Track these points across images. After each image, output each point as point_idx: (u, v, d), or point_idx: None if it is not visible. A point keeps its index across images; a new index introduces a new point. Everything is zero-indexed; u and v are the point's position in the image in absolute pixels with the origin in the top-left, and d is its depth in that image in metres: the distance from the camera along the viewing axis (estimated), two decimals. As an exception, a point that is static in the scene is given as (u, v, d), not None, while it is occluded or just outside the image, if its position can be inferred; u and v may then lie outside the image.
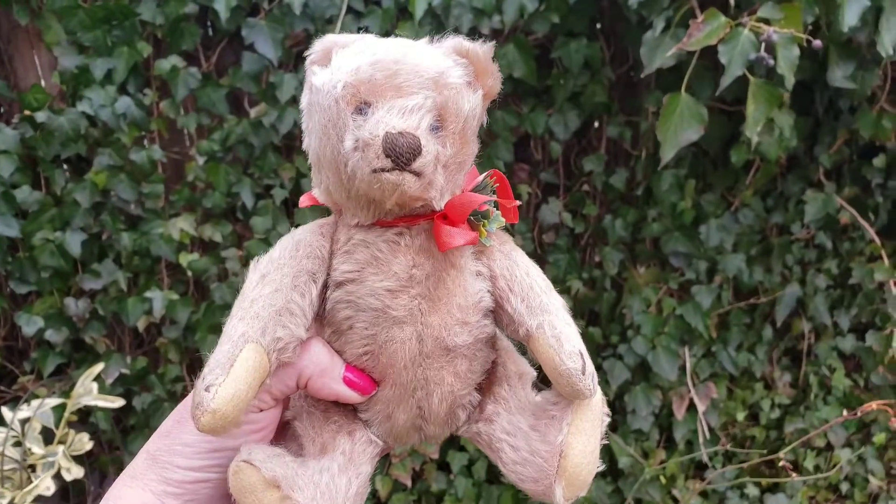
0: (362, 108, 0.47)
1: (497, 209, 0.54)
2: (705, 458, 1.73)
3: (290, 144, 1.59)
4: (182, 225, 1.55)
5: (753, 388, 1.84)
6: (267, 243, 1.53)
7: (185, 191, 1.55)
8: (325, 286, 0.52)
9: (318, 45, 0.52)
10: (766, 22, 1.19)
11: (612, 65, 1.62)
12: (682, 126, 1.29)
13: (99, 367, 1.41)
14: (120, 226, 1.54)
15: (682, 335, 1.67)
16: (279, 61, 1.52)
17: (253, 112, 1.54)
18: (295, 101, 1.53)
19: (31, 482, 1.30)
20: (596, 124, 1.69)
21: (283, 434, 0.56)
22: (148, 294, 1.55)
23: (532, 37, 1.54)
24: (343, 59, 0.49)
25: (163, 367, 1.62)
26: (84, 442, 1.40)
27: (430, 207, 0.50)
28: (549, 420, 0.53)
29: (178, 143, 1.60)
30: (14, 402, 1.57)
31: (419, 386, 0.52)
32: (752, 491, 1.80)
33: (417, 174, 0.46)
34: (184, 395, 1.60)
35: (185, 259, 1.55)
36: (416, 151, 0.45)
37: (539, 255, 1.68)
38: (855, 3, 1.17)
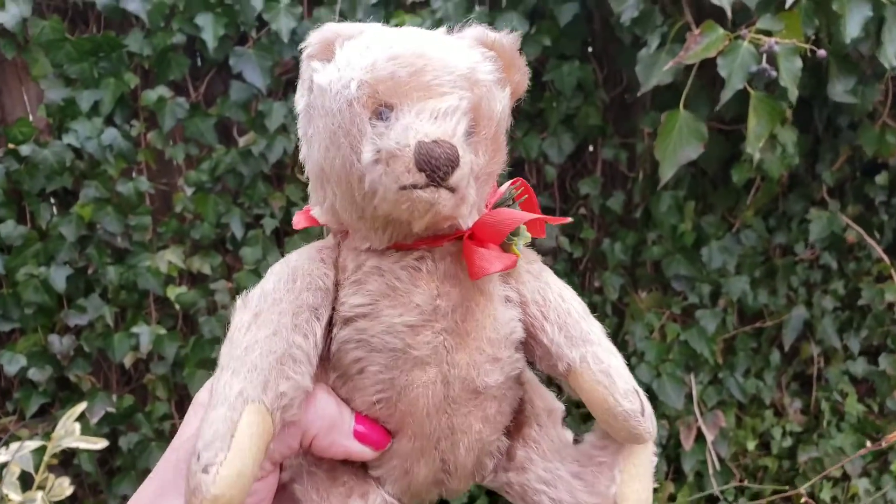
0: (382, 111, 0.40)
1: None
2: (717, 492, 1.66)
3: (280, 173, 1.56)
4: (170, 257, 1.52)
5: (763, 415, 1.78)
6: (257, 275, 1.49)
7: (173, 222, 1.52)
8: (330, 323, 0.44)
9: (317, 37, 0.45)
10: (767, 34, 1.16)
11: (606, 87, 1.60)
12: (681, 144, 1.25)
13: (81, 406, 1.36)
14: (106, 259, 1.50)
15: (687, 361, 1.62)
16: (268, 89, 1.50)
17: (242, 141, 1.52)
18: (285, 129, 1.50)
19: (9, 528, 1.24)
20: (590, 147, 1.67)
21: (280, 498, 0.47)
22: (135, 329, 1.51)
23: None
24: (353, 54, 0.42)
25: (150, 404, 1.56)
26: (65, 487, 1.33)
27: (455, 226, 0.43)
28: (597, 467, 0.47)
29: (166, 174, 1.57)
30: (-4, 445, 1.51)
31: (443, 436, 0.45)
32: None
33: (453, 190, 0.39)
34: (172, 433, 1.54)
35: (172, 292, 1.51)
36: (454, 163, 0.38)
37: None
38: (857, 13, 1.14)
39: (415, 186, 0.39)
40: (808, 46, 1.16)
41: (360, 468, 0.48)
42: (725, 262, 1.59)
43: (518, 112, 1.54)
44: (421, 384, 0.43)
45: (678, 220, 1.56)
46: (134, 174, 1.54)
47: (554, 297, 0.47)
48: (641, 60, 1.29)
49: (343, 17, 1.46)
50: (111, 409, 1.53)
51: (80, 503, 1.60)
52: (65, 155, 1.47)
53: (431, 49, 0.42)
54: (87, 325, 1.52)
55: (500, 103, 0.45)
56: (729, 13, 1.15)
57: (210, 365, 1.51)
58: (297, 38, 1.47)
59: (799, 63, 1.15)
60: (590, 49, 1.59)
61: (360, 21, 0.47)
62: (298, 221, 0.49)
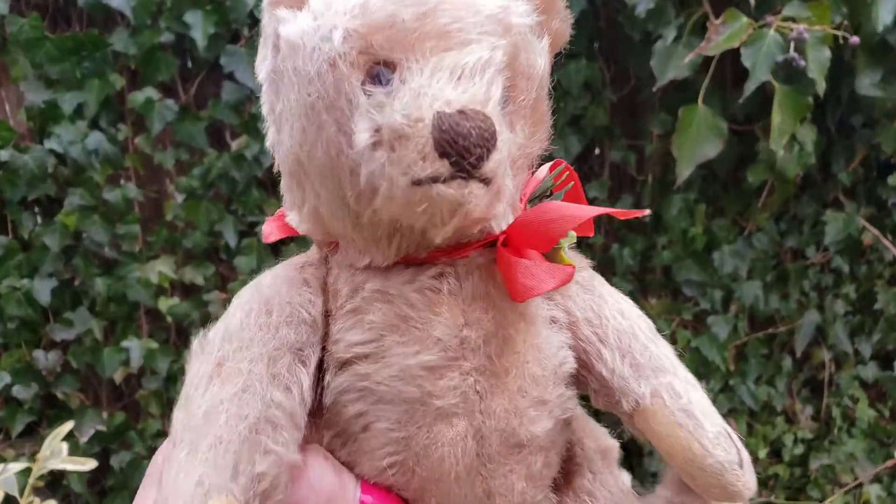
0: (381, 72, 0.30)
1: None
2: None
3: (276, 178, 1.49)
4: (161, 267, 1.45)
5: (774, 422, 1.74)
6: (252, 285, 1.43)
7: (164, 231, 1.45)
8: (321, 367, 0.35)
9: None
10: (792, 21, 1.09)
11: (612, 86, 1.54)
12: (699, 141, 1.19)
13: (68, 425, 1.29)
14: (93, 270, 1.43)
15: (697, 369, 1.57)
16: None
17: (234, 145, 1.45)
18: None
19: (-7, 559, 1.18)
20: (597, 150, 1.61)
21: None
22: (125, 343, 1.44)
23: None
24: None
25: (143, 421, 1.50)
26: (53, 510, 1.27)
27: (486, 229, 0.34)
28: None
29: (155, 181, 1.51)
30: (-21, 466, 1.44)
31: (477, 503, 0.36)
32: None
33: (487, 181, 0.30)
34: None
35: (164, 304, 1.45)
36: (489, 143, 0.29)
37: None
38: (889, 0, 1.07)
39: (434, 179, 0.28)
40: (841, 33, 1.09)
41: None
42: (737, 266, 1.55)
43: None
44: (447, 442, 0.34)
45: (688, 224, 1.52)
46: (121, 181, 1.47)
47: (612, 315, 0.37)
48: (657, 53, 1.23)
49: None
50: (101, 428, 1.46)
51: (70, 526, 1.54)
52: (47, 161, 1.39)
53: None
54: (74, 340, 1.45)
55: (541, 57, 0.34)
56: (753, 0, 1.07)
57: (204, 380, 1.45)
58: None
59: (827, 53, 1.09)
60: (595, 45, 1.53)
61: None
62: (269, 232, 0.38)
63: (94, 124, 1.42)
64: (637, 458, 1.60)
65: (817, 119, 1.49)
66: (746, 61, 1.13)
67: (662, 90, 1.33)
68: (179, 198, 1.45)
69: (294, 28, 0.32)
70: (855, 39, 1.12)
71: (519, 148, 0.33)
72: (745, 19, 1.12)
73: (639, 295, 1.61)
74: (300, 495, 0.33)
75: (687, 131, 1.22)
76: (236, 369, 0.33)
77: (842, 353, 1.76)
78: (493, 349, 0.34)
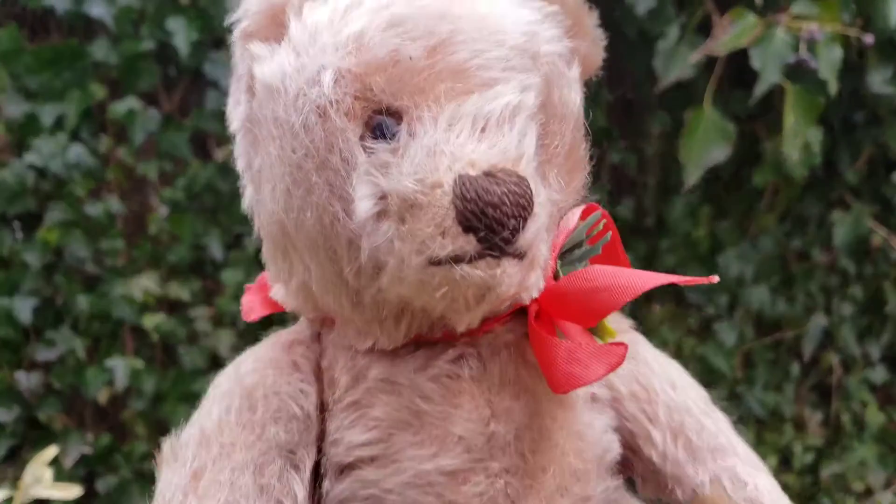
0: (382, 123, 0.26)
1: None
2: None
3: (263, 188, 1.46)
4: (145, 283, 1.40)
5: (783, 430, 1.71)
6: (240, 300, 1.38)
7: (148, 245, 1.41)
8: (317, 471, 0.30)
9: (256, 2, 0.29)
10: (802, 20, 1.06)
11: (609, 87, 1.51)
12: (707, 145, 1.15)
13: (52, 450, 1.23)
14: (76, 287, 1.39)
15: (704, 377, 1.53)
16: (247, 98, 1.39)
17: (219, 154, 1.41)
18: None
19: None
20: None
21: None
22: (109, 362, 1.39)
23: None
24: (320, 22, 0.26)
25: (129, 443, 1.45)
26: (36, 539, 1.22)
27: (515, 300, 0.28)
28: None
29: (138, 193, 1.46)
30: (-40, 494, 1.39)
31: None
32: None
33: (521, 256, 0.25)
34: (153, 473, 1.43)
35: (149, 321, 1.40)
36: (524, 212, 0.24)
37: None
38: (903, -6, 1.04)
39: (458, 259, 0.23)
40: (855, 33, 1.06)
41: None
42: (743, 269, 1.51)
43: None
44: None
45: (692, 227, 1.48)
46: (103, 194, 1.42)
47: (661, 387, 0.32)
48: (660, 53, 1.19)
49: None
50: (86, 450, 1.41)
51: (55, 554, 1.49)
52: (27, 175, 1.35)
53: (459, 4, 0.26)
54: (56, 360, 1.40)
55: (575, 92, 0.29)
56: None
57: (192, 399, 1.40)
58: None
59: (839, 52, 1.05)
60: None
61: None
62: (250, 307, 0.32)
63: (74, 136, 1.38)
64: None
65: (822, 117, 1.46)
66: (755, 62, 1.09)
67: (661, 90, 1.29)
68: (163, 210, 1.41)
69: (272, 68, 0.27)
70: (870, 38, 1.08)
71: (553, 203, 0.28)
72: (752, 18, 1.09)
73: (642, 302, 1.57)
74: None
75: (694, 135, 1.18)
76: (216, 482, 0.28)
77: (850, 357, 1.73)
78: (526, 445, 0.29)
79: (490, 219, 0.23)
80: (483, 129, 0.24)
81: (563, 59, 0.29)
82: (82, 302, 1.38)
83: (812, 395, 1.77)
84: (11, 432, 1.41)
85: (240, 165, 0.31)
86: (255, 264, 1.43)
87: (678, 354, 1.53)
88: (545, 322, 0.28)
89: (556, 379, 0.27)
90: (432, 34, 0.25)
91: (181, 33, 1.34)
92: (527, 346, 0.29)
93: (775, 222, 1.58)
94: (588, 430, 0.31)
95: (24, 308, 1.36)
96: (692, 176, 1.20)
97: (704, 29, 1.25)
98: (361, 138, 0.26)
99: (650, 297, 1.58)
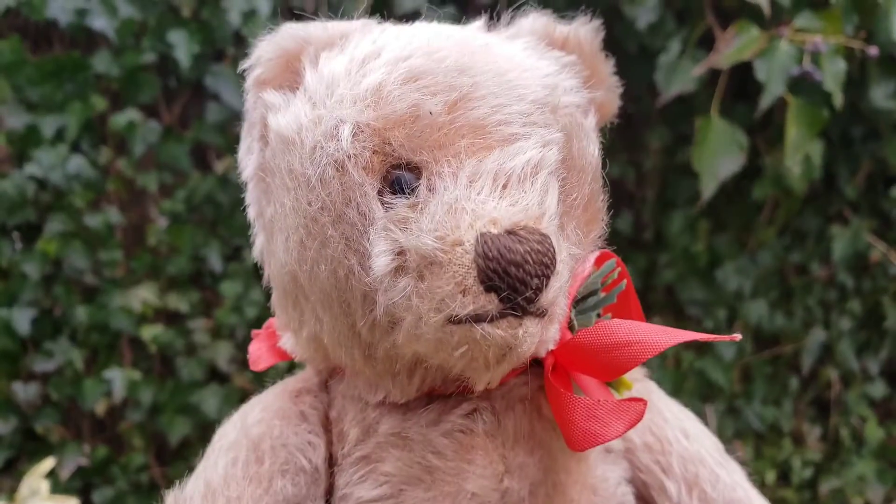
0: (401, 178, 0.25)
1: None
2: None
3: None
4: (144, 294, 1.40)
5: (781, 444, 1.69)
6: (238, 312, 1.38)
7: (147, 256, 1.41)
8: None
9: (270, 49, 0.28)
10: (805, 32, 1.06)
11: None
12: (719, 155, 1.14)
13: (48, 463, 1.24)
14: (74, 298, 1.38)
15: (703, 391, 1.52)
16: (247, 110, 1.39)
17: (219, 167, 1.41)
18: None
19: None
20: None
21: None
22: (107, 374, 1.39)
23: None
24: (338, 73, 0.26)
25: (126, 455, 1.44)
26: (31, 551, 1.21)
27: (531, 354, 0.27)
28: None
29: (138, 205, 1.46)
30: (-45, 505, 1.39)
31: None
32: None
33: (543, 314, 0.24)
34: (150, 485, 1.43)
35: (148, 332, 1.40)
36: (549, 270, 0.23)
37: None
38: (905, 9, 1.04)
39: (479, 319, 0.23)
40: (859, 45, 1.06)
41: None
42: (741, 284, 1.50)
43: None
44: None
45: (691, 241, 1.48)
46: (103, 205, 1.42)
47: (675, 437, 0.32)
48: (662, 67, 1.19)
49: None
50: (84, 463, 1.41)
51: (50, 566, 1.48)
52: (27, 186, 1.35)
53: (478, 57, 0.26)
54: (54, 371, 1.40)
55: (593, 143, 0.28)
56: (767, 10, 1.03)
57: (190, 411, 1.40)
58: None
59: (843, 64, 1.05)
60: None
61: None
62: (258, 356, 0.30)
63: (75, 148, 1.38)
64: None
65: (821, 131, 1.46)
66: (760, 74, 1.09)
67: (662, 104, 1.29)
68: (162, 222, 1.41)
69: (288, 119, 0.26)
70: (874, 50, 1.08)
71: (572, 257, 0.27)
72: (755, 31, 1.08)
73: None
74: None
75: (705, 146, 1.17)
76: None
77: (849, 372, 1.72)
78: (540, 501, 0.28)
79: (513, 278, 0.23)
80: (505, 186, 0.24)
81: (581, 109, 0.29)
82: (81, 313, 1.38)
83: (811, 410, 1.75)
84: (8, 444, 1.40)
85: (251, 213, 0.30)
86: (254, 277, 1.42)
87: (677, 368, 1.53)
88: (561, 375, 0.27)
89: (575, 437, 0.26)
90: (452, 89, 0.25)
91: (182, 46, 1.34)
92: (542, 400, 0.29)
93: (774, 236, 1.57)
94: (602, 483, 0.30)
95: (22, 319, 1.36)
96: (708, 187, 1.19)
97: (705, 43, 1.25)
98: (379, 193, 0.26)
99: (649, 310, 1.57)
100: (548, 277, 0.23)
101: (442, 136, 0.25)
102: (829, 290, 1.66)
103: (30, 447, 1.43)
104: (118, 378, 1.38)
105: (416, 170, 0.25)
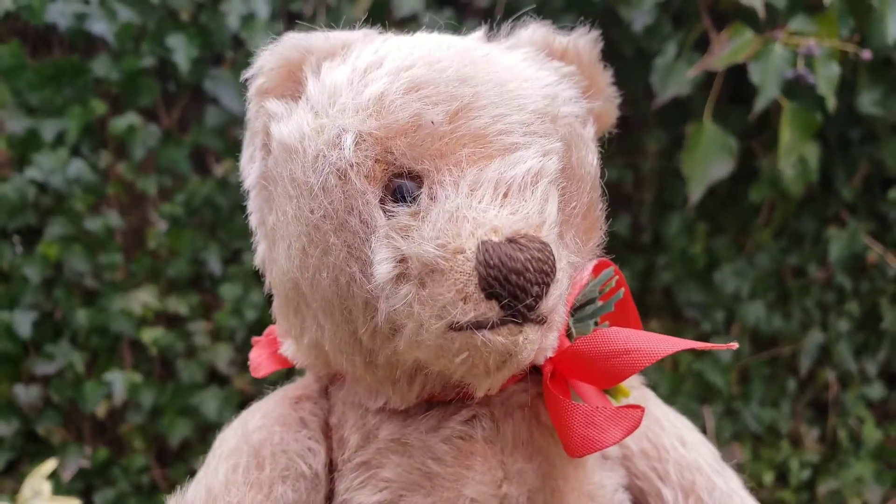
0: (403, 186, 0.25)
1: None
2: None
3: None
4: (144, 297, 1.40)
5: (779, 446, 1.69)
6: (238, 315, 1.39)
7: (146, 259, 1.41)
8: None
9: (273, 59, 0.29)
10: (799, 36, 1.06)
11: (606, 103, 1.51)
12: (709, 160, 1.15)
13: (50, 464, 1.24)
14: (75, 301, 1.39)
15: (700, 393, 1.52)
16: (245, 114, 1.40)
17: (219, 170, 1.42)
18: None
19: None
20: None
21: None
22: (107, 376, 1.39)
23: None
24: (340, 83, 0.26)
25: (126, 457, 1.45)
26: (33, 553, 1.22)
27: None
28: None
29: (138, 208, 1.47)
30: (-43, 507, 1.39)
31: None
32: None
33: (543, 321, 0.25)
34: (150, 487, 1.44)
35: (148, 335, 1.40)
36: (549, 277, 0.23)
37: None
38: (899, 11, 1.04)
39: (479, 325, 0.23)
40: (853, 49, 1.06)
41: None
42: (739, 286, 1.51)
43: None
44: None
45: (688, 243, 1.48)
46: (103, 209, 1.43)
47: (671, 444, 0.32)
48: (658, 69, 1.19)
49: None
50: (85, 464, 1.41)
51: (51, 567, 1.48)
52: (27, 190, 1.36)
53: (479, 67, 0.26)
54: (55, 374, 1.40)
55: (591, 153, 0.28)
56: (762, 13, 1.03)
57: (190, 413, 1.41)
58: (276, 58, 1.37)
59: (836, 68, 1.05)
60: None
61: None
62: (259, 363, 0.31)
63: (75, 152, 1.39)
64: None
65: (818, 133, 1.46)
66: (755, 77, 1.09)
67: (657, 106, 1.30)
68: (162, 225, 1.41)
69: (290, 128, 0.26)
70: (867, 54, 1.08)
71: (571, 266, 0.27)
72: (749, 33, 1.09)
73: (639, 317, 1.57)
74: None
75: (696, 150, 1.18)
76: None
77: (846, 373, 1.72)
78: None
79: (514, 285, 0.23)
80: (505, 195, 0.24)
81: (580, 119, 0.29)
82: (81, 316, 1.38)
83: (808, 411, 1.75)
84: (10, 445, 1.41)
85: (253, 221, 0.30)
86: (254, 279, 1.43)
87: (675, 370, 1.53)
88: (559, 382, 0.28)
89: (573, 443, 0.26)
90: (454, 98, 0.25)
91: (181, 50, 1.34)
92: (540, 407, 0.29)
93: (771, 238, 1.58)
94: (599, 490, 0.31)
95: (23, 322, 1.36)
96: (696, 191, 1.20)
97: (701, 46, 1.25)
98: (381, 201, 0.26)
99: (647, 312, 1.57)
100: (548, 285, 0.23)
101: (443, 145, 0.25)
102: (826, 291, 1.66)
103: (31, 449, 1.44)
104: (119, 380, 1.39)
105: (417, 178, 0.25)
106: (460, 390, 0.28)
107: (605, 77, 0.32)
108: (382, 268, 0.24)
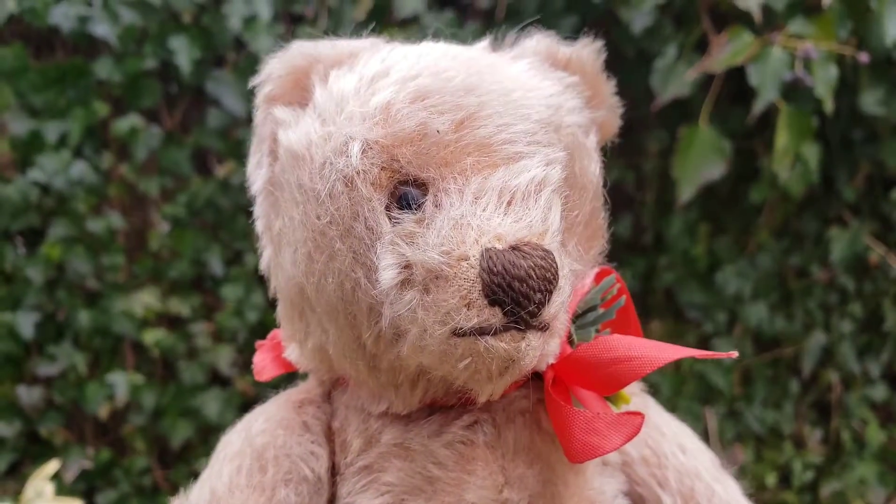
0: (408, 194, 0.26)
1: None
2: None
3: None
4: (146, 299, 1.41)
5: (782, 447, 1.69)
6: (240, 316, 1.39)
7: (148, 261, 1.42)
8: None
9: (281, 66, 0.29)
10: (798, 38, 1.06)
11: (607, 104, 1.51)
12: (701, 162, 1.15)
13: (53, 465, 1.24)
14: (77, 303, 1.39)
15: (703, 394, 1.52)
16: (247, 115, 1.40)
17: (220, 171, 1.42)
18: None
19: None
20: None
21: None
22: (109, 377, 1.40)
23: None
24: (347, 91, 0.26)
25: (128, 458, 1.45)
26: (35, 554, 1.22)
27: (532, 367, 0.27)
28: None
29: (140, 209, 1.47)
30: (-40, 508, 1.40)
31: None
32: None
33: (545, 328, 0.25)
34: (153, 488, 1.44)
35: (150, 336, 1.40)
36: (551, 285, 0.24)
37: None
38: (897, 12, 1.04)
39: (482, 331, 0.23)
40: (851, 51, 1.06)
41: None
42: (741, 286, 1.50)
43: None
44: None
45: (690, 244, 1.48)
46: (105, 210, 1.43)
47: (671, 451, 0.32)
48: (658, 71, 1.20)
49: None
50: (87, 466, 1.42)
51: (54, 569, 1.49)
52: (30, 191, 1.36)
53: (485, 77, 0.26)
54: (57, 375, 1.41)
55: (594, 162, 0.28)
56: (758, 16, 1.03)
57: (191, 414, 1.41)
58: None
59: (834, 71, 1.05)
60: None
61: None
62: (262, 366, 0.31)
63: (77, 153, 1.39)
64: None
65: (819, 133, 1.46)
66: (753, 79, 1.09)
67: (657, 108, 1.30)
68: (164, 226, 1.42)
69: (298, 135, 0.26)
70: (864, 56, 1.08)
71: (574, 273, 0.28)
72: (748, 36, 1.09)
73: (641, 318, 1.57)
74: None
75: (688, 153, 1.18)
76: None
77: (850, 374, 1.72)
78: None
79: (517, 292, 0.23)
80: (509, 203, 0.25)
81: (583, 129, 0.29)
82: (83, 317, 1.39)
83: (811, 413, 1.75)
84: (13, 447, 1.41)
85: (259, 227, 0.30)
86: (255, 280, 1.43)
87: (677, 371, 1.53)
88: (561, 388, 0.28)
89: (574, 449, 0.27)
90: (459, 108, 0.25)
91: (183, 52, 1.35)
92: (542, 413, 0.29)
93: (773, 239, 1.57)
94: (599, 496, 0.31)
95: (25, 323, 1.37)
96: (685, 192, 1.20)
97: (701, 47, 1.25)
98: (387, 208, 0.26)
99: (649, 313, 1.57)
100: (550, 292, 0.24)
101: (448, 153, 0.25)
102: (829, 292, 1.66)
103: (34, 450, 1.45)
104: (121, 382, 1.39)
105: (422, 186, 0.26)
106: (462, 396, 0.28)
107: (608, 87, 0.31)
108: (387, 274, 0.24)
